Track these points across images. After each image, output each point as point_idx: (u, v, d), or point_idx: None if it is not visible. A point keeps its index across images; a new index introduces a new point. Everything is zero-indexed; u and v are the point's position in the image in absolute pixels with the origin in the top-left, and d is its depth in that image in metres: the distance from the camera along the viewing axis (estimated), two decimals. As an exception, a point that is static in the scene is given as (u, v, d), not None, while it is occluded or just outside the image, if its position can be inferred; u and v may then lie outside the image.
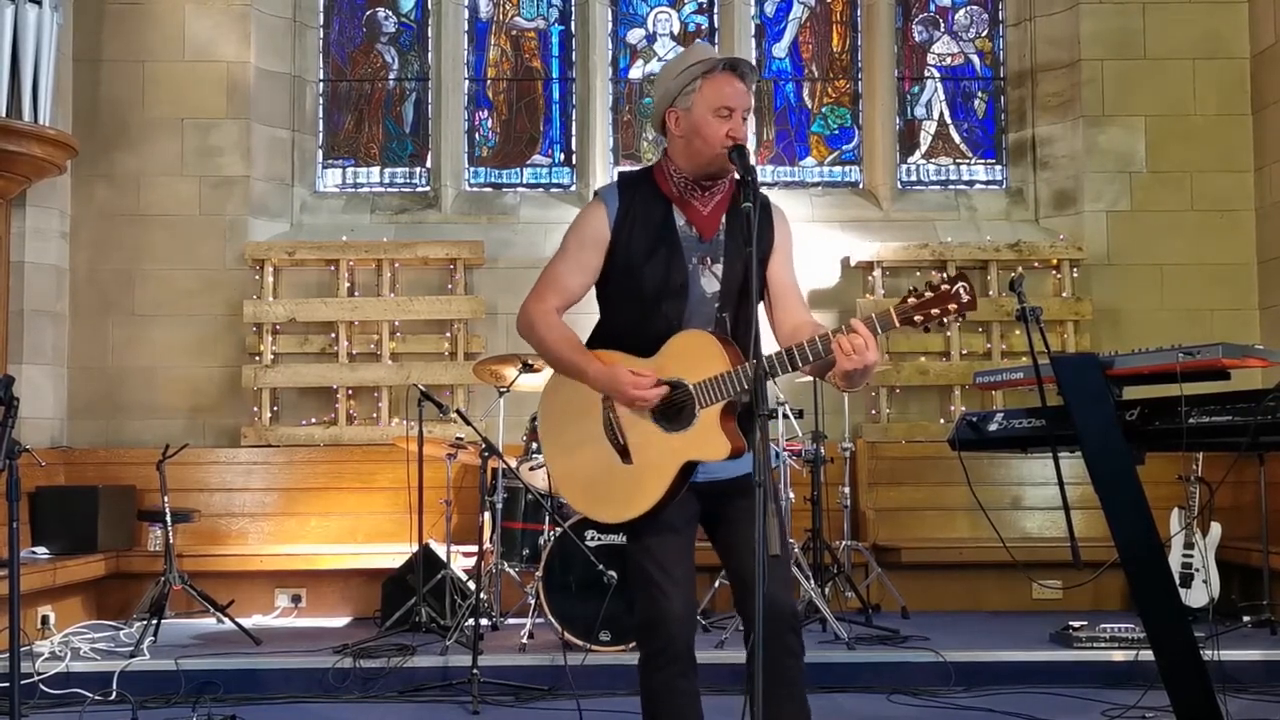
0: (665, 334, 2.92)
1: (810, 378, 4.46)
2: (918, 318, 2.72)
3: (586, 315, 3.12)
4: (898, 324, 2.72)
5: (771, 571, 2.58)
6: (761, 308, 3.00)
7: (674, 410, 2.89)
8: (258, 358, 7.42)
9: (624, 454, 2.93)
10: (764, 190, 2.99)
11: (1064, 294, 7.57)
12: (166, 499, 5.95)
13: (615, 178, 3.10)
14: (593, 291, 3.09)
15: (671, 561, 2.94)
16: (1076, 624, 5.54)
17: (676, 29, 8.20)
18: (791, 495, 6.19)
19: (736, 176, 2.92)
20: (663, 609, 2.91)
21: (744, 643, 3.06)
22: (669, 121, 2.98)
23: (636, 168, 3.17)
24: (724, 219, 3.00)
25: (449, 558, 5.96)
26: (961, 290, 2.70)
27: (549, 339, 3.01)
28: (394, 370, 7.42)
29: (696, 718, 2.99)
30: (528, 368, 5.86)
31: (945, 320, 2.72)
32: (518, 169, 8.11)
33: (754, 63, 6.66)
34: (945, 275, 2.76)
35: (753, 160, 2.90)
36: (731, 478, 2.94)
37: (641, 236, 2.96)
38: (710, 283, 2.97)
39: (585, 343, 3.04)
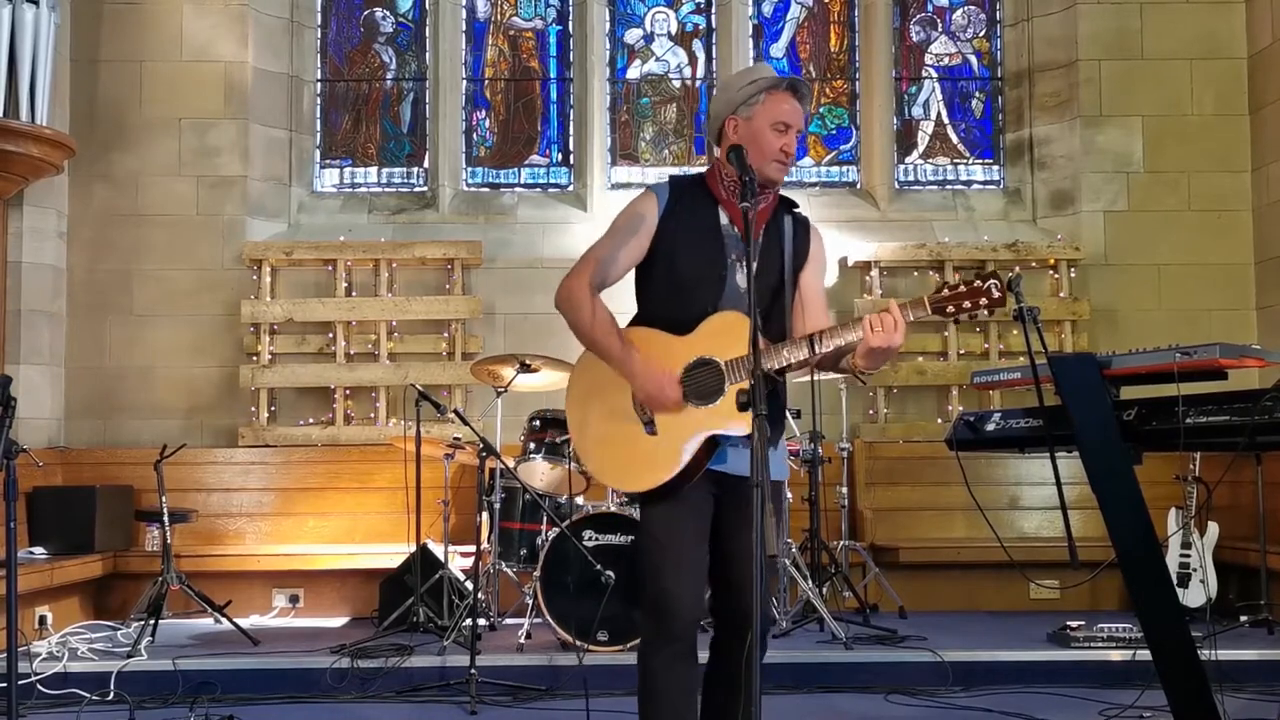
0: (700, 319, 3.05)
1: (806, 378, 4.48)
2: (950, 308, 2.90)
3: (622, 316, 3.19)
4: (930, 311, 2.90)
5: (749, 575, 2.61)
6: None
7: (703, 386, 3.00)
8: (255, 358, 7.42)
9: (649, 425, 3.05)
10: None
11: (1061, 294, 7.57)
12: (164, 499, 5.95)
13: (667, 178, 3.31)
14: (630, 280, 3.21)
15: (682, 542, 3.01)
16: (1074, 624, 5.55)
17: (674, 29, 8.20)
18: (789, 495, 6.19)
19: (779, 191, 3.18)
20: (666, 590, 2.98)
21: (709, 645, 3.14)
22: (728, 128, 3.15)
23: (678, 171, 3.38)
24: (765, 225, 3.15)
25: (447, 558, 5.96)
26: (993, 286, 2.89)
27: (584, 316, 3.11)
28: (391, 370, 7.42)
29: (689, 708, 3.01)
30: (525, 368, 5.85)
31: (976, 315, 2.91)
32: (515, 169, 8.11)
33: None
34: (978, 271, 2.88)
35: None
36: (746, 474, 2.95)
37: (687, 228, 3.12)
38: (745, 280, 3.06)
39: (627, 325, 3.16)
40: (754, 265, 2.87)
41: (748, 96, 3.11)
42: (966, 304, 2.89)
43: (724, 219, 3.12)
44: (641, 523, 3.14)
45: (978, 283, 2.89)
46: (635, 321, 3.19)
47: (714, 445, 2.99)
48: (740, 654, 2.83)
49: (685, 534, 3.01)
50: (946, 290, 2.91)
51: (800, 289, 3.19)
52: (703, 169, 3.27)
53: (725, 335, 2.99)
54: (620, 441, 3.08)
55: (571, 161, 8.07)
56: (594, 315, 3.11)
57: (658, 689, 3.00)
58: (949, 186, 8.11)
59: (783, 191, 3.22)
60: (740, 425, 2.91)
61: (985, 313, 2.90)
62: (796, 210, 3.24)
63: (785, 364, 2.96)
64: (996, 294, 2.87)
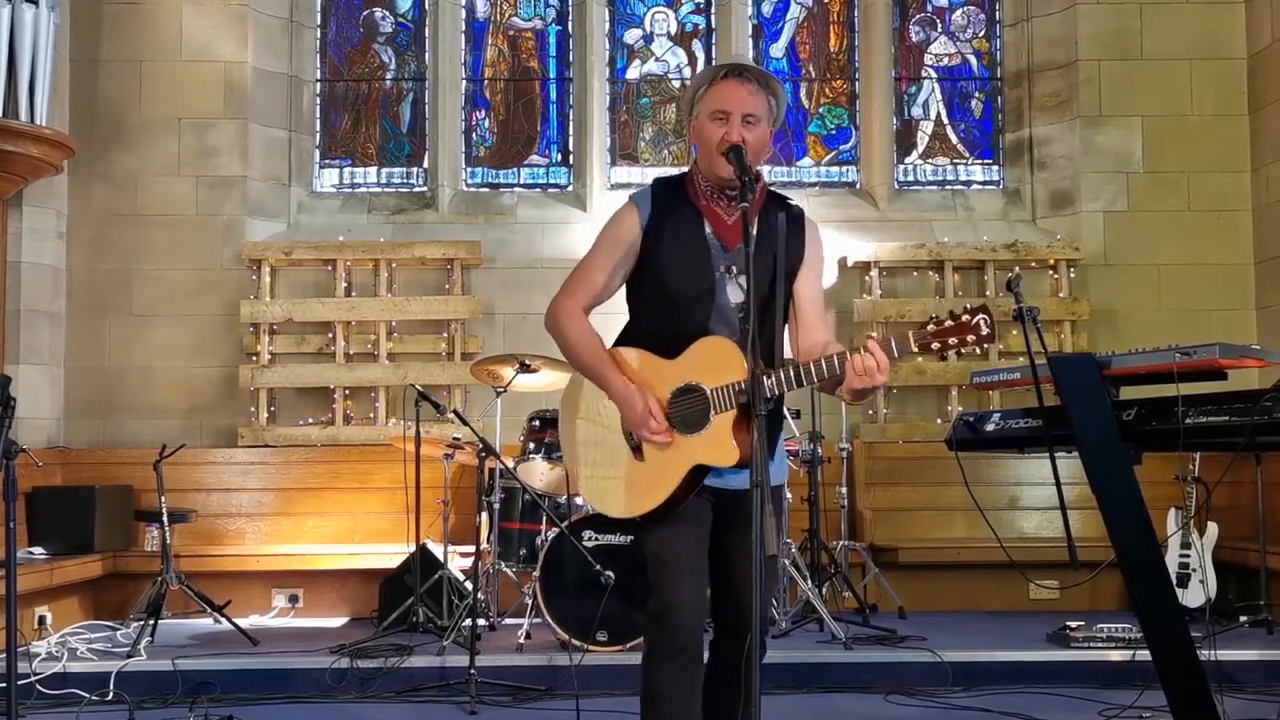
0: (691, 338, 2.96)
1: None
2: (935, 345, 2.76)
3: (614, 316, 3.15)
4: (915, 349, 2.77)
5: (749, 577, 2.60)
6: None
7: (689, 415, 2.93)
8: (255, 358, 7.41)
9: (637, 450, 2.99)
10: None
11: (1061, 294, 7.57)
12: (164, 499, 5.95)
13: (651, 182, 3.19)
14: (623, 291, 3.13)
15: (683, 553, 2.97)
16: (1073, 624, 5.55)
17: (673, 29, 8.20)
18: (789, 496, 6.18)
19: (765, 186, 3.04)
20: (670, 599, 2.94)
21: (708, 645, 3.11)
22: (690, 133, 3.08)
23: (674, 171, 3.25)
24: (756, 229, 3.01)
25: (446, 558, 5.96)
26: (982, 322, 2.73)
27: (572, 339, 3.06)
28: (391, 370, 7.42)
29: (693, 712, 2.98)
30: (525, 368, 5.85)
31: (963, 351, 2.77)
32: (515, 169, 8.11)
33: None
34: (968, 305, 2.79)
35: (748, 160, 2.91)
36: (744, 489, 2.93)
37: (671, 241, 3.01)
38: (735, 292, 2.99)
39: (615, 340, 3.09)
40: (750, 276, 2.79)
41: (693, 93, 3.03)
42: (953, 340, 2.75)
43: (708, 229, 3.01)
44: (643, 537, 3.07)
45: (965, 318, 2.74)
46: (626, 334, 3.12)
47: (701, 472, 2.93)
48: (740, 656, 2.81)
49: (685, 545, 2.97)
50: (933, 326, 2.75)
51: (795, 298, 3.06)
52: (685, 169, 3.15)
53: (712, 361, 2.90)
54: (607, 466, 3.04)
55: (571, 161, 8.07)
56: (583, 338, 3.05)
57: (661, 698, 2.97)
58: (948, 186, 8.11)
59: (782, 192, 3.15)
60: (724, 457, 2.87)
61: (976, 350, 2.76)
62: (791, 206, 3.09)
63: (768, 395, 2.83)
64: (985, 330, 2.73)
